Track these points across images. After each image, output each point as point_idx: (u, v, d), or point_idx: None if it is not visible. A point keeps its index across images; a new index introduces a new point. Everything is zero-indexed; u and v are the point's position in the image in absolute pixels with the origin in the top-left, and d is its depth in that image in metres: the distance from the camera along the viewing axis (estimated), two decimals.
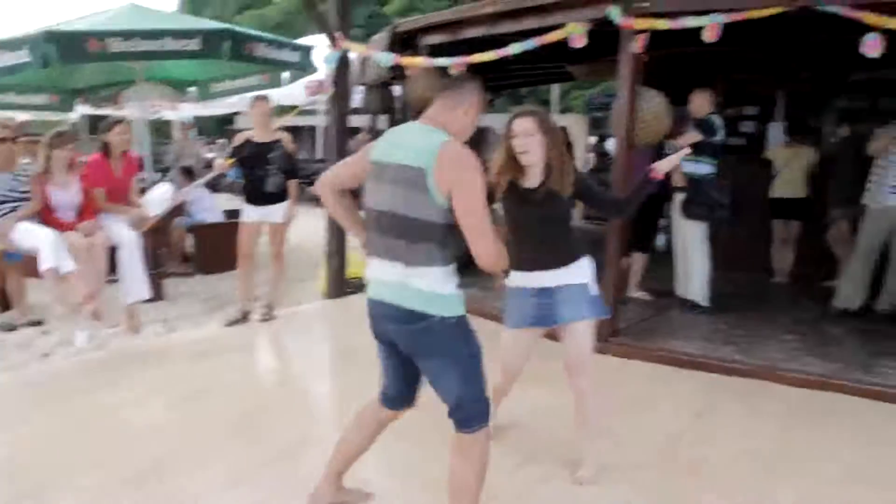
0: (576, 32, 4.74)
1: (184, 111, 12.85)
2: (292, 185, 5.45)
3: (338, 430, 2.78)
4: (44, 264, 4.15)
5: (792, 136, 6.61)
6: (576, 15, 4.76)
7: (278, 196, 5.38)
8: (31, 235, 4.31)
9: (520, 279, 2.96)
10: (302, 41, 9.02)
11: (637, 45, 4.42)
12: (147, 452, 3.25)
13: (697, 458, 3.24)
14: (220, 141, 19.55)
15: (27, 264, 5.77)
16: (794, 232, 6.52)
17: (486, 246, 2.17)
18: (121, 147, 4.89)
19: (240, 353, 4.89)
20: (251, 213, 5.38)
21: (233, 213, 8.49)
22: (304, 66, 7.87)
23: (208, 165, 10.69)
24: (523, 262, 2.94)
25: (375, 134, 7.77)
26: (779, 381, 4.11)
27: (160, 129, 17.32)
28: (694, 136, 5.14)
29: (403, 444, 3.14)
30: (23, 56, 6.06)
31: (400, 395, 2.53)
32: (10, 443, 3.39)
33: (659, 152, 5.95)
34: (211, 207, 7.67)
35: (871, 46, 3.81)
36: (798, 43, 6.78)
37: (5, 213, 4.42)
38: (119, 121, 4.93)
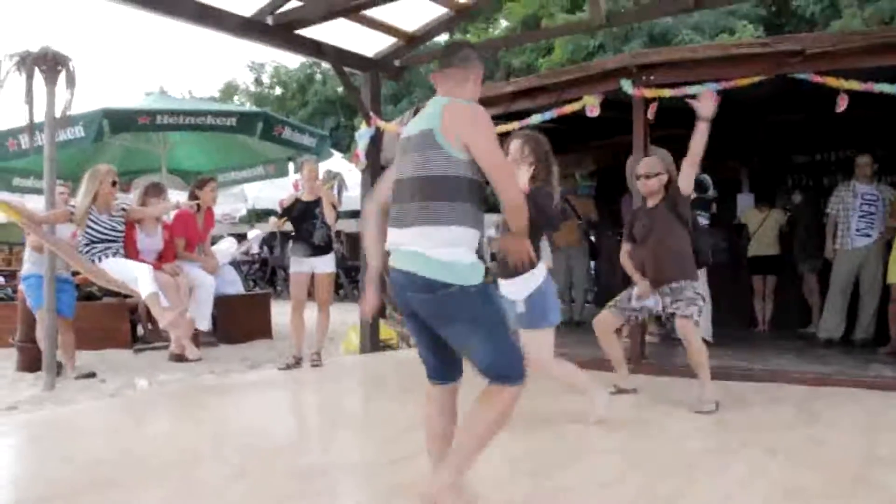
0: (591, 104, 5.65)
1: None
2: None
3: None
4: (145, 291, 4.58)
5: (759, 202, 7.62)
6: (590, 90, 5.67)
7: (324, 248, 5.94)
8: (127, 269, 4.75)
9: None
10: None
11: (649, 111, 5.32)
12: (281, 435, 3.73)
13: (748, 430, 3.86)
14: None
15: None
16: (770, 285, 7.40)
17: (512, 191, 2.37)
18: (208, 203, 5.48)
19: (310, 387, 5.45)
20: (301, 265, 5.90)
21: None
22: (318, 151, 8.63)
23: None
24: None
25: None
26: (790, 382, 4.79)
27: None
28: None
29: None
30: (77, 132, 6.64)
31: (441, 366, 2.54)
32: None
33: None
34: (234, 281, 8.10)
35: (841, 103, 4.79)
36: (750, 131, 7.99)
37: (103, 251, 4.86)
38: (211, 178, 5.54)
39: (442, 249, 2.31)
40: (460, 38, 3.13)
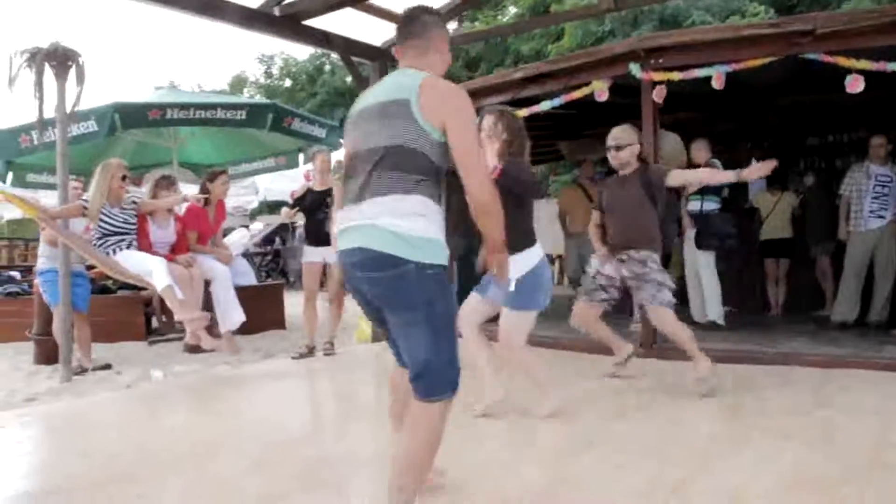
0: (599, 88, 5.62)
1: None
2: None
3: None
4: (160, 284, 4.61)
5: (771, 185, 7.55)
6: (598, 75, 5.63)
7: None
8: (142, 262, 4.78)
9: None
10: None
11: (656, 94, 5.28)
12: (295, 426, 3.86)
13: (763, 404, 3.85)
14: None
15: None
16: (783, 269, 7.34)
17: (479, 181, 2.08)
18: (220, 195, 5.50)
19: (323, 376, 5.49)
20: (313, 255, 5.93)
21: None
22: (329, 142, 8.64)
23: None
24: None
25: None
26: (803, 365, 4.75)
27: None
28: None
29: None
30: (90, 126, 6.69)
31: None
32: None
33: None
34: (246, 272, 8.11)
35: (853, 84, 4.72)
36: (761, 114, 7.93)
37: (116, 244, 4.90)
38: (222, 171, 5.57)
39: (397, 220, 2.02)
40: (419, 4, 2.93)
